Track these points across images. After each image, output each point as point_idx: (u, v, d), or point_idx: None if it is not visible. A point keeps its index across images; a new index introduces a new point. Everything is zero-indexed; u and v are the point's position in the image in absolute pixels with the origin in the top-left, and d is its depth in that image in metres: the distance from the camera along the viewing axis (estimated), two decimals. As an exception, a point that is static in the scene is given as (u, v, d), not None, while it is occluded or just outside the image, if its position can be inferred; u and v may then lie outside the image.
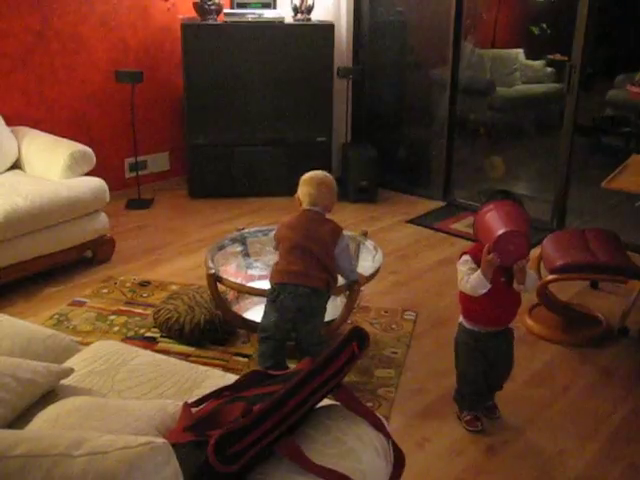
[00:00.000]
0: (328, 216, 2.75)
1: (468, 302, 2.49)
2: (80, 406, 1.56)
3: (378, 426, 1.53)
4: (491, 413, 2.70)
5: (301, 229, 2.67)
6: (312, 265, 2.62)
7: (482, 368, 2.56)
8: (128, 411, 1.54)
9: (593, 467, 2.45)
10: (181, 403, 1.58)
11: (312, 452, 1.37)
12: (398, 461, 1.58)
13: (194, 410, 1.55)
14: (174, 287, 3.70)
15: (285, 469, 1.33)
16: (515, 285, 2.41)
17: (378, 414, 1.61)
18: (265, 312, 2.66)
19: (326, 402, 1.58)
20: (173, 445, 1.31)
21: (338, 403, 1.56)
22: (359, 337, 1.53)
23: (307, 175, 2.76)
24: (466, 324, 2.56)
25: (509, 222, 2.30)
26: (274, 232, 2.79)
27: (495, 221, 2.34)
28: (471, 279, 2.38)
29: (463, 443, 2.51)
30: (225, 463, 1.18)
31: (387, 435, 1.55)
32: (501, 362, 2.60)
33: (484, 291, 2.37)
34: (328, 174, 2.79)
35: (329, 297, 2.75)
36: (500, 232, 2.27)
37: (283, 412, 1.29)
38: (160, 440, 1.06)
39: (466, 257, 2.46)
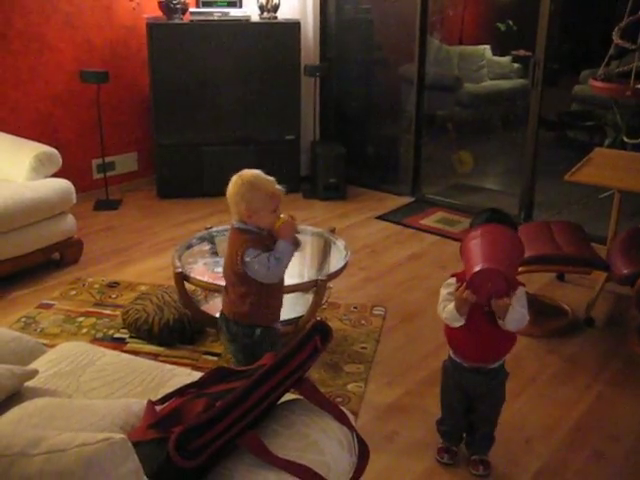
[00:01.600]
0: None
1: (447, 329, 2.30)
2: (43, 407, 1.56)
3: (342, 419, 1.54)
4: (473, 468, 2.39)
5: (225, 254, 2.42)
6: (230, 295, 2.40)
7: (460, 401, 2.37)
8: (92, 410, 1.53)
9: (559, 454, 2.50)
10: (145, 401, 1.57)
11: (275, 446, 1.38)
12: (363, 453, 1.60)
13: (158, 408, 1.55)
14: (143, 288, 3.68)
15: (248, 463, 1.33)
16: (499, 321, 2.18)
17: (343, 408, 1.62)
18: None
19: (290, 397, 1.59)
20: (137, 443, 1.32)
21: (302, 397, 1.57)
22: (322, 331, 1.54)
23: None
24: (450, 351, 2.37)
25: (490, 256, 2.11)
26: None
27: (476, 253, 2.14)
28: (447, 309, 2.21)
29: (432, 436, 2.53)
30: (186, 458, 1.18)
31: (351, 428, 1.57)
32: (480, 403, 2.35)
33: (458, 325, 2.20)
34: (239, 177, 2.31)
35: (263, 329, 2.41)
36: (476, 269, 2.07)
37: (245, 406, 1.30)
38: (119, 436, 1.06)
39: (451, 280, 2.27)
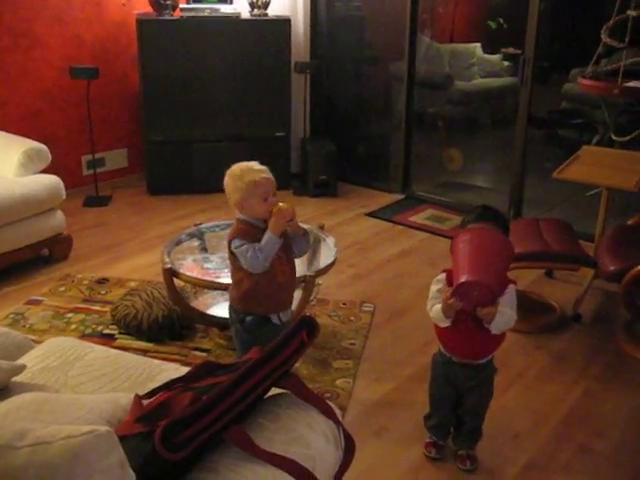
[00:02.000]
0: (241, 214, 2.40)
1: (436, 326, 2.30)
2: (30, 401, 1.56)
3: (328, 413, 1.55)
4: (460, 462, 2.42)
5: None
6: (231, 279, 2.46)
7: (448, 395, 2.38)
8: (79, 405, 1.54)
9: (546, 449, 2.52)
10: (133, 396, 1.58)
11: (261, 439, 1.39)
12: (349, 448, 1.61)
13: (145, 402, 1.56)
14: (132, 284, 3.68)
15: (234, 456, 1.34)
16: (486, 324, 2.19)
17: (329, 402, 1.63)
18: None
19: (277, 391, 1.60)
20: (124, 436, 1.32)
21: (288, 392, 1.58)
22: (308, 326, 1.55)
23: None
24: (439, 345, 2.39)
25: (476, 266, 2.11)
26: None
27: (463, 259, 2.14)
28: (434, 309, 2.22)
29: (420, 431, 2.54)
30: (172, 451, 1.19)
31: (337, 422, 1.58)
32: (468, 397, 2.36)
33: (445, 325, 2.22)
34: (230, 168, 2.36)
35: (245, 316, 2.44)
36: (462, 280, 2.07)
37: (231, 400, 1.31)
38: (104, 428, 1.07)
39: (441, 276, 2.29)
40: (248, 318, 2.41)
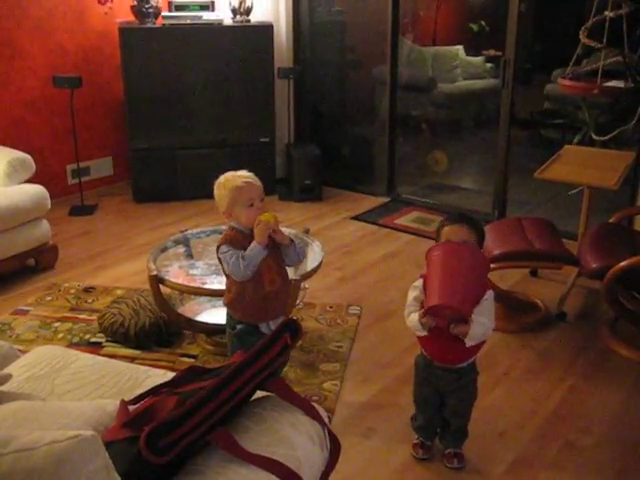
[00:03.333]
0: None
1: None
2: (17, 410, 1.56)
3: (313, 414, 1.56)
4: (447, 461, 2.44)
5: None
6: None
7: (431, 397, 2.40)
8: (65, 412, 1.54)
9: (532, 446, 2.54)
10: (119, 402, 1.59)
11: (247, 441, 1.40)
12: (334, 448, 1.62)
13: (132, 408, 1.57)
14: (119, 292, 3.68)
15: (219, 458, 1.36)
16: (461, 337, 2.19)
17: (314, 404, 1.65)
18: None
19: (262, 394, 1.61)
20: (111, 442, 1.33)
21: (273, 395, 1.60)
22: (292, 329, 1.56)
23: None
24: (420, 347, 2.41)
25: (447, 285, 2.14)
26: None
27: (435, 278, 2.17)
28: (410, 318, 2.23)
29: (408, 432, 2.56)
30: (157, 454, 1.20)
31: (322, 423, 1.59)
32: (450, 399, 2.37)
33: (422, 335, 2.24)
34: (225, 176, 2.38)
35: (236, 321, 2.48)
36: (431, 303, 2.11)
37: (215, 403, 1.32)
38: (88, 433, 1.08)
39: (418, 282, 2.29)
40: (239, 325, 2.43)
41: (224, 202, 2.32)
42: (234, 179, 2.33)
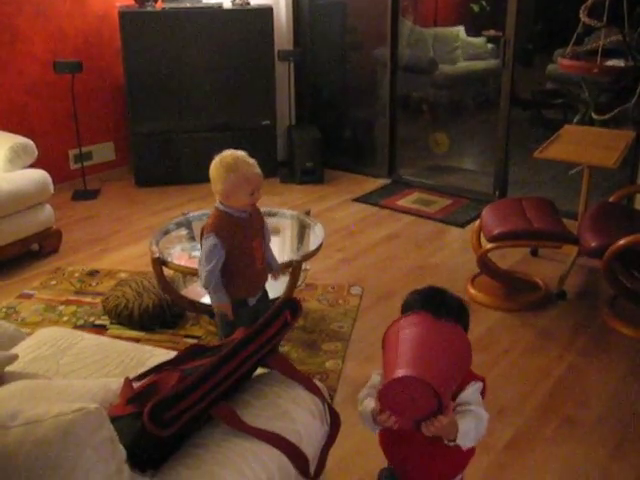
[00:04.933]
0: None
1: (380, 433, 1.77)
2: (23, 388, 1.60)
3: (313, 389, 1.60)
4: None
5: None
6: None
7: None
8: (71, 390, 1.58)
9: (531, 422, 2.58)
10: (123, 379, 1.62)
11: (248, 416, 1.44)
12: (334, 423, 1.66)
13: (136, 385, 1.60)
14: (123, 275, 3.72)
15: (222, 432, 1.39)
16: (446, 442, 1.55)
17: (315, 380, 1.68)
18: None
19: (263, 371, 1.65)
20: (115, 417, 1.37)
21: (274, 371, 1.63)
22: (291, 306, 1.59)
23: None
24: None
25: (418, 356, 1.49)
26: None
27: (398, 350, 1.53)
28: (364, 404, 1.64)
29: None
30: (160, 427, 1.23)
31: (322, 398, 1.62)
32: None
33: (375, 431, 1.69)
34: (221, 156, 2.36)
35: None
36: (390, 379, 1.47)
37: (217, 378, 1.35)
38: (93, 405, 1.11)
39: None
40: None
41: (227, 185, 2.30)
42: (245, 166, 2.32)
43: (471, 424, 1.53)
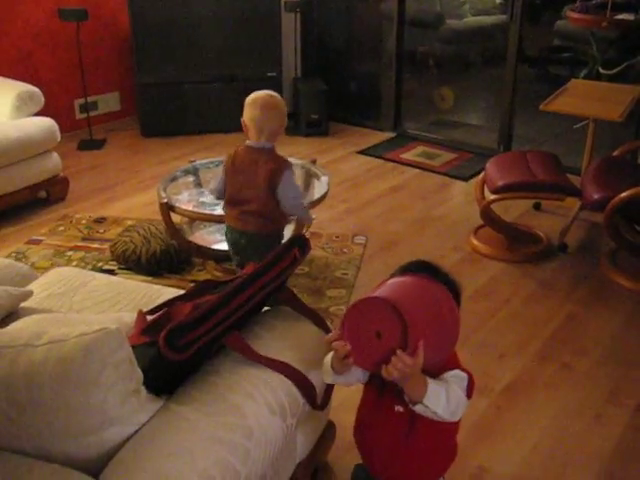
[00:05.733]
0: (277, 144, 2.60)
1: (355, 426, 1.65)
2: (40, 320, 1.65)
3: (320, 324, 1.66)
4: None
5: (243, 176, 2.53)
6: (254, 214, 2.54)
7: None
8: (86, 323, 1.63)
9: (530, 367, 2.64)
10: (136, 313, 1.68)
11: (259, 346, 1.49)
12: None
13: (149, 318, 1.65)
14: (130, 222, 3.75)
15: (233, 360, 1.45)
16: (411, 405, 1.40)
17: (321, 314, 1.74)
18: None
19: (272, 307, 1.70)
20: (131, 346, 1.42)
21: (283, 307, 1.69)
22: (300, 243, 1.64)
23: (251, 96, 2.55)
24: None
25: (394, 289, 1.40)
26: (223, 165, 2.64)
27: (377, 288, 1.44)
28: (326, 358, 1.49)
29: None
30: (176, 351, 1.29)
31: (328, 331, 1.68)
32: None
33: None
34: (275, 94, 2.55)
35: (275, 239, 2.60)
36: (348, 307, 1.40)
37: (229, 308, 1.40)
38: (113, 326, 1.16)
39: None
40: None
41: (283, 123, 2.55)
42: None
43: (441, 389, 1.37)
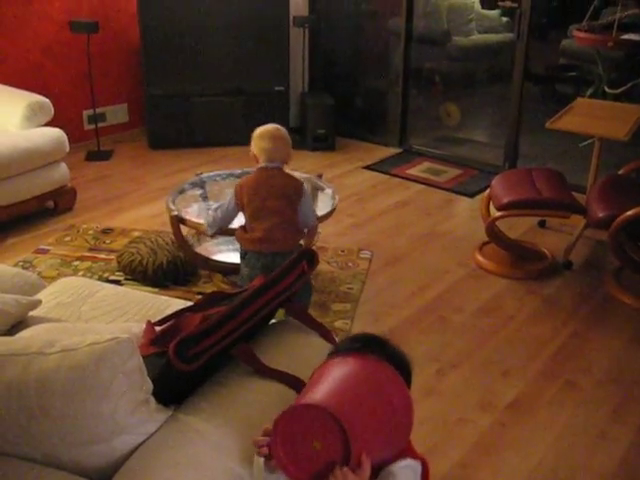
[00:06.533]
0: (286, 169, 2.71)
1: None
2: (50, 328, 1.67)
3: (327, 337, 1.66)
4: None
5: (264, 189, 2.58)
6: (282, 226, 2.59)
7: None
8: (95, 333, 1.65)
9: (533, 385, 2.65)
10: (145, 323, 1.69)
11: (266, 358, 1.50)
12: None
13: (157, 329, 1.67)
14: (136, 233, 3.78)
15: (241, 373, 1.46)
16: None
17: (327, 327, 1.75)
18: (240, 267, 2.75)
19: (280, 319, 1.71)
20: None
21: (290, 319, 1.70)
22: (308, 257, 1.65)
23: (259, 130, 2.67)
24: None
25: (332, 390, 1.21)
26: (234, 192, 2.65)
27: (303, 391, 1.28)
28: (255, 460, 1.25)
29: (415, 366, 2.66)
30: (185, 362, 1.30)
31: (335, 343, 1.69)
32: None
33: None
34: (280, 126, 2.70)
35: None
36: (279, 415, 1.18)
37: (238, 320, 1.42)
38: (125, 335, 1.18)
39: None
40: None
41: (290, 152, 2.72)
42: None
43: None
